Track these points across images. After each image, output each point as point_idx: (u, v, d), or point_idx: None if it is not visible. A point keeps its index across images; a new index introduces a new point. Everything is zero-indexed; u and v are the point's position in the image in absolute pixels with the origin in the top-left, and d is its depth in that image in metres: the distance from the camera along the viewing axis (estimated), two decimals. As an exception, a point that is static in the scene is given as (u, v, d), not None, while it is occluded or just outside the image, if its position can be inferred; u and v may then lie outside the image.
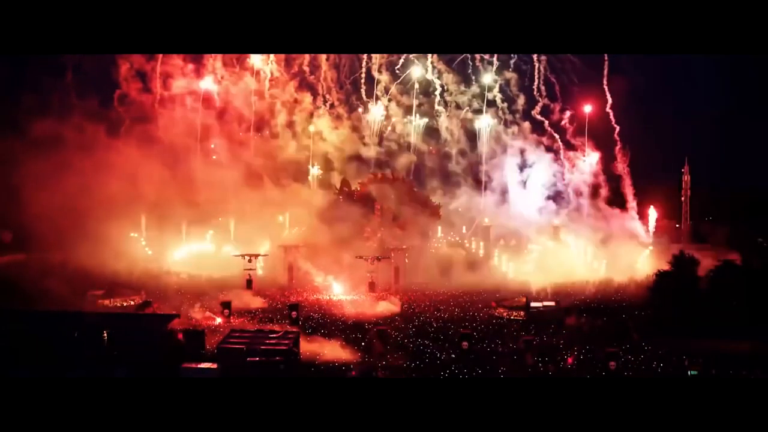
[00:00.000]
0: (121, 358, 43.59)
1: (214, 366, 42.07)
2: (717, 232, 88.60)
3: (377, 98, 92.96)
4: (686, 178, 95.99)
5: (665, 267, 56.57)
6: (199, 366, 42.23)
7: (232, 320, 57.40)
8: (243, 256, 73.88)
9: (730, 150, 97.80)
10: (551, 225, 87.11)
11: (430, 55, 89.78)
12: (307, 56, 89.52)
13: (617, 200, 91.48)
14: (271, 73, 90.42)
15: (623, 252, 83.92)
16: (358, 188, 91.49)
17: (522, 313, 59.01)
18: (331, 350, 47.33)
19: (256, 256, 74.31)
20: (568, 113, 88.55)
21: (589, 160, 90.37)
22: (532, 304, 60.67)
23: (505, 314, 59.49)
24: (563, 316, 56.38)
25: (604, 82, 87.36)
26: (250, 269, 72.11)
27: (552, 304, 61.34)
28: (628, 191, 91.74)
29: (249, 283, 70.39)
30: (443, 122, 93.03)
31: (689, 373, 41.86)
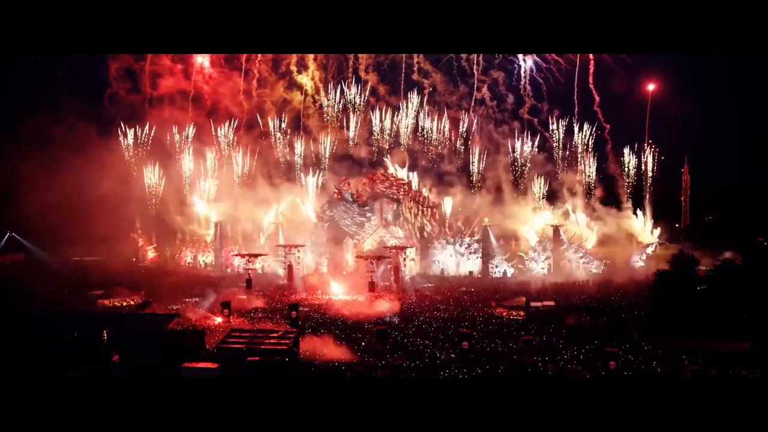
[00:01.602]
0: (120, 358, 43.61)
1: (214, 366, 42.04)
2: (717, 232, 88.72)
3: (364, 98, 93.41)
4: (686, 177, 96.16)
5: (665, 267, 56.52)
6: (199, 366, 42.21)
7: (231, 320, 57.40)
8: (243, 255, 73.94)
9: (729, 150, 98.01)
10: (550, 225, 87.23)
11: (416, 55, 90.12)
12: (294, 56, 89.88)
13: (613, 200, 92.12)
14: (259, 73, 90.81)
15: (622, 252, 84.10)
16: (358, 188, 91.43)
17: (522, 313, 59.02)
18: (331, 350, 47.32)
19: (256, 255, 74.33)
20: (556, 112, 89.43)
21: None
22: (532, 304, 60.66)
23: (505, 314, 59.46)
24: (563, 316, 56.37)
25: (590, 80, 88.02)
26: (250, 269, 72.10)
27: (552, 303, 61.35)
28: (623, 191, 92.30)
29: (248, 283, 70.36)
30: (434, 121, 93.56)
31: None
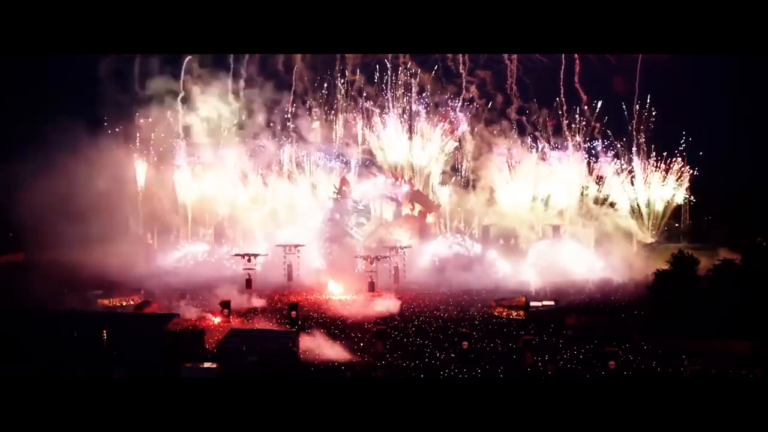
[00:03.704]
0: (120, 358, 43.62)
1: (214, 366, 42.07)
2: (717, 232, 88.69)
3: (353, 99, 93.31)
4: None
5: (665, 267, 56.51)
6: (198, 366, 42.23)
7: (231, 320, 57.37)
8: (242, 255, 73.85)
9: (729, 150, 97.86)
10: (550, 224, 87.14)
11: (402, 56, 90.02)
12: (281, 57, 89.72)
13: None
14: (247, 73, 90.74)
15: (621, 251, 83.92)
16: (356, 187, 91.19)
17: (521, 313, 58.97)
18: (331, 350, 47.34)
19: (256, 255, 74.24)
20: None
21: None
22: (532, 304, 60.64)
23: (504, 314, 59.43)
24: (563, 316, 56.38)
25: (576, 80, 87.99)
26: (250, 269, 72.05)
27: (551, 303, 61.32)
28: (619, 190, 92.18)
29: (248, 283, 70.32)
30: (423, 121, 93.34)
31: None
